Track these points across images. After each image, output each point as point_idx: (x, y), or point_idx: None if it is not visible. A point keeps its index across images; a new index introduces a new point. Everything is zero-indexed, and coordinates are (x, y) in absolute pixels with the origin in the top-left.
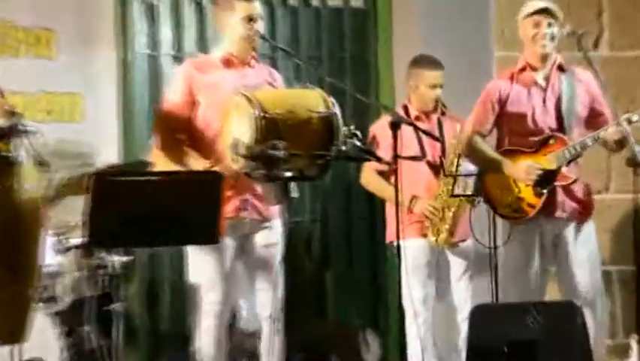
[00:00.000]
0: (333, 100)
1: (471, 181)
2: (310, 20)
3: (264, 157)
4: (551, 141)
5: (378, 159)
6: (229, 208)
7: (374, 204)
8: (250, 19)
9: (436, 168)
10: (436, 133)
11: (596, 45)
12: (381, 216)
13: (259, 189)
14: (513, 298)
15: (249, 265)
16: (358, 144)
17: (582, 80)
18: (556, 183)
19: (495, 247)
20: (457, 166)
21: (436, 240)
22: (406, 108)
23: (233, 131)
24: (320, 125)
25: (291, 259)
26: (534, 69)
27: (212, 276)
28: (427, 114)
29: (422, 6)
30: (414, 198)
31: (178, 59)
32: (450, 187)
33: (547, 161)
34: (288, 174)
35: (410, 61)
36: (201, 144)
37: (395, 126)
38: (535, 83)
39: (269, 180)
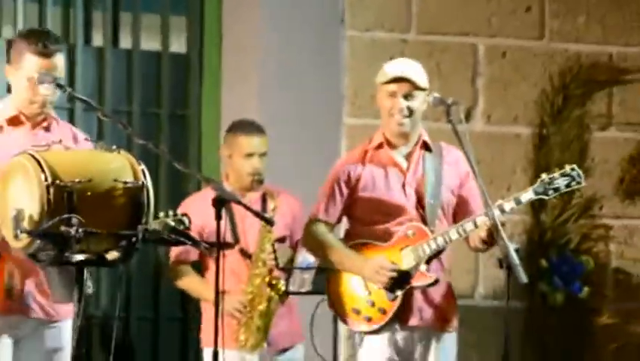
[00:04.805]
0: (144, 167)
1: (308, 276)
2: (119, 66)
3: (54, 235)
4: (410, 233)
5: (198, 245)
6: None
7: (188, 301)
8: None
9: (250, 257)
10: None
11: (467, 117)
12: (198, 316)
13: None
14: None
15: None
16: (173, 223)
17: (451, 163)
18: (413, 284)
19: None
20: (274, 255)
21: (245, 344)
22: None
23: (17, 200)
24: (125, 199)
25: None
26: (393, 147)
27: None
28: (246, 191)
29: (259, 55)
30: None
31: None
32: (265, 279)
33: (403, 256)
34: (82, 257)
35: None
36: None
37: (220, 204)
38: (394, 164)
39: (58, 264)
